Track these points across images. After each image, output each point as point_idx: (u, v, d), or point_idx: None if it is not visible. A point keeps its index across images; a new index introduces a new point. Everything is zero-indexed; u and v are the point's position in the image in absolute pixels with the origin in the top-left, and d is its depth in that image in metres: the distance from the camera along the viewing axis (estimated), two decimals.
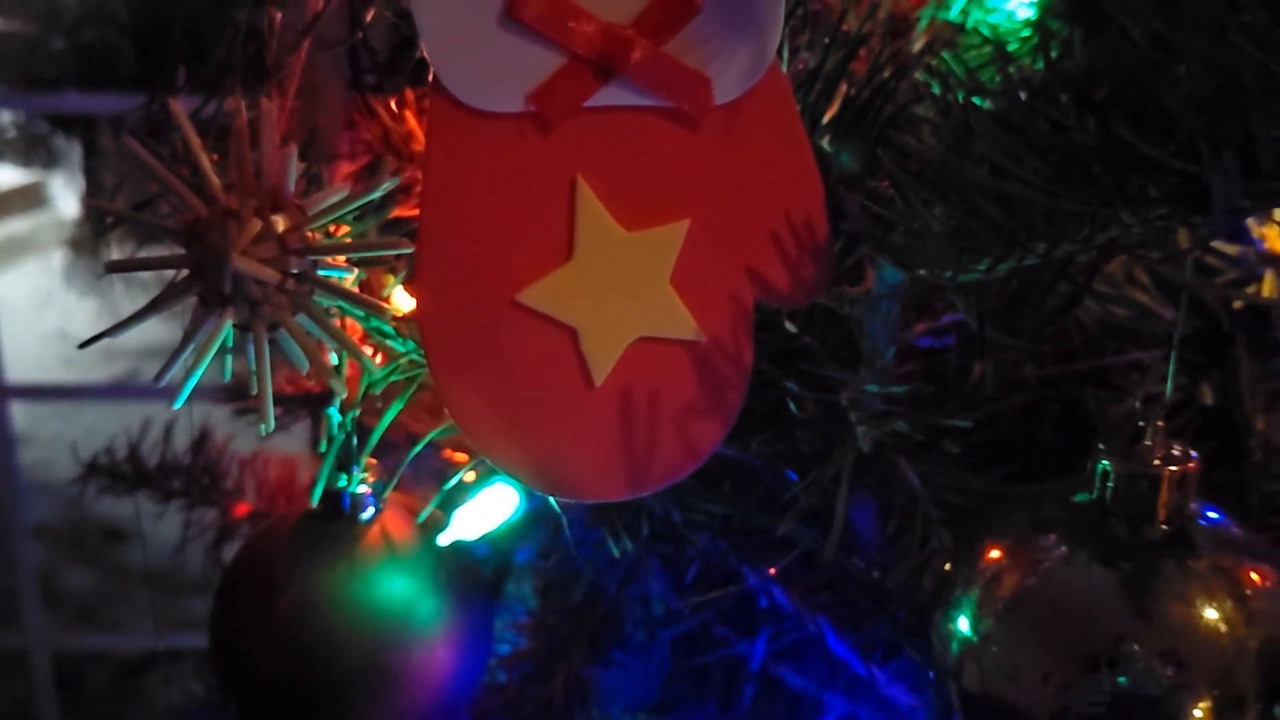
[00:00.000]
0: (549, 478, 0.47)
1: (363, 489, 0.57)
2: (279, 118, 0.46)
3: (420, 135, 0.66)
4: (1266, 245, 0.60)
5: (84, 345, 0.51)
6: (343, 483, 0.56)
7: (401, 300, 0.59)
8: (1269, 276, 0.60)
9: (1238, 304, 0.60)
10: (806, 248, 0.47)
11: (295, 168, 0.46)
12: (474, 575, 0.59)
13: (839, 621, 0.62)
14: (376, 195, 0.47)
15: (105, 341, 0.51)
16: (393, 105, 0.68)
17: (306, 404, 0.88)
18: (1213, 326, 0.62)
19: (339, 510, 0.56)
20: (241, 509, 0.99)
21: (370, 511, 0.57)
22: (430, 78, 0.43)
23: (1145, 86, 0.38)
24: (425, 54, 0.42)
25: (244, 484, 0.99)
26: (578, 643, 0.75)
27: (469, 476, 0.71)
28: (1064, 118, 0.41)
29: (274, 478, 1.00)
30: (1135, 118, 0.41)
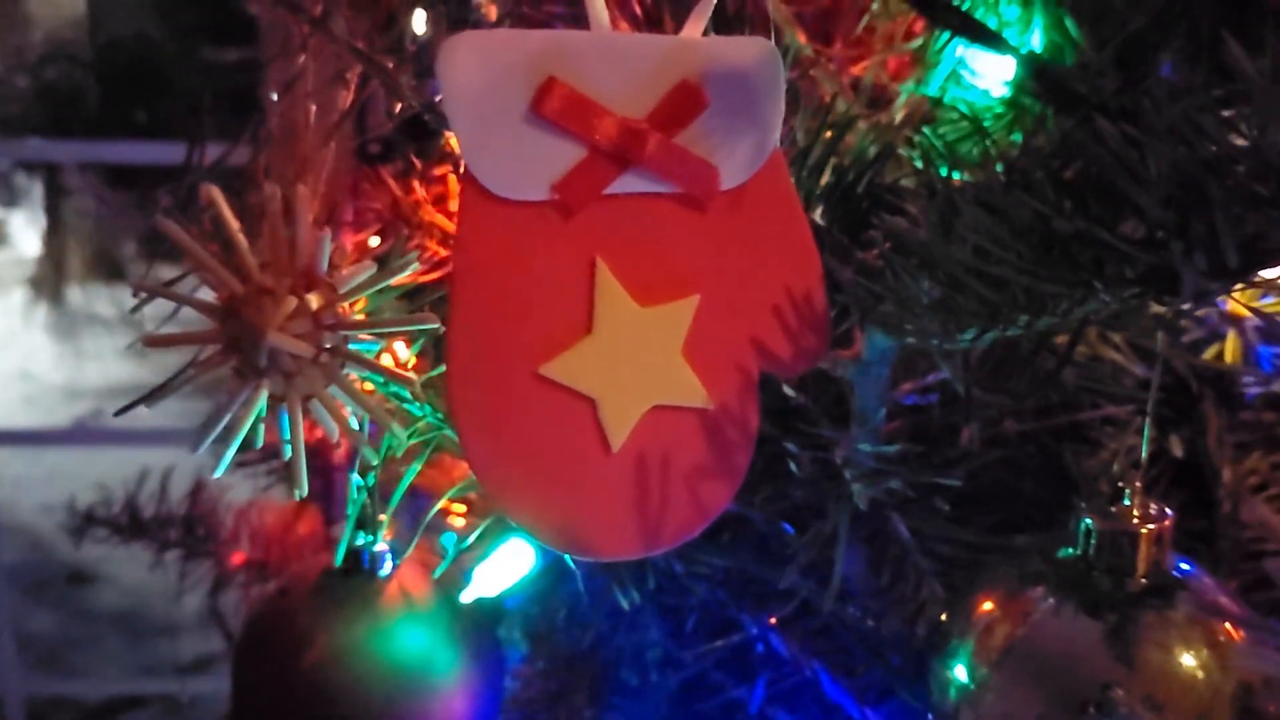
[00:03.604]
0: (568, 537, 0.50)
1: (381, 546, 0.59)
2: (312, 201, 0.49)
3: (427, 203, 0.69)
4: (1229, 306, 0.64)
5: (119, 413, 0.54)
6: (363, 540, 0.59)
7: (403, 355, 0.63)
8: (1231, 335, 0.64)
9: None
10: (806, 320, 0.51)
11: (329, 248, 0.49)
12: (486, 628, 0.62)
13: (834, 667, 0.65)
14: (404, 275, 0.50)
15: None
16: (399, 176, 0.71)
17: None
18: (1181, 382, 0.66)
19: (359, 567, 0.59)
20: (237, 558, 1.00)
21: (388, 568, 0.59)
22: (462, 169, 0.46)
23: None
24: (458, 148, 0.45)
25: (239, 533, 1.01)
26: (578, 689, 0.77)
27: (459, 523, 0.74)
28: (1043, 206, 0.44)
29: (268, 527, 1.02)
30: (1108, 197, 0.45)
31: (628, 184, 0.47)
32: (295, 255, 0.49)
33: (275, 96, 0.50)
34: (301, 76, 0.48)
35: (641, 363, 0.49)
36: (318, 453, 0.99)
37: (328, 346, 0.49)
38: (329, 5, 0.48)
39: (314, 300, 0.49)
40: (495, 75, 0.45)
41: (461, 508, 0.76)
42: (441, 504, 0.60)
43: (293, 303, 0.48)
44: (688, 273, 0.49)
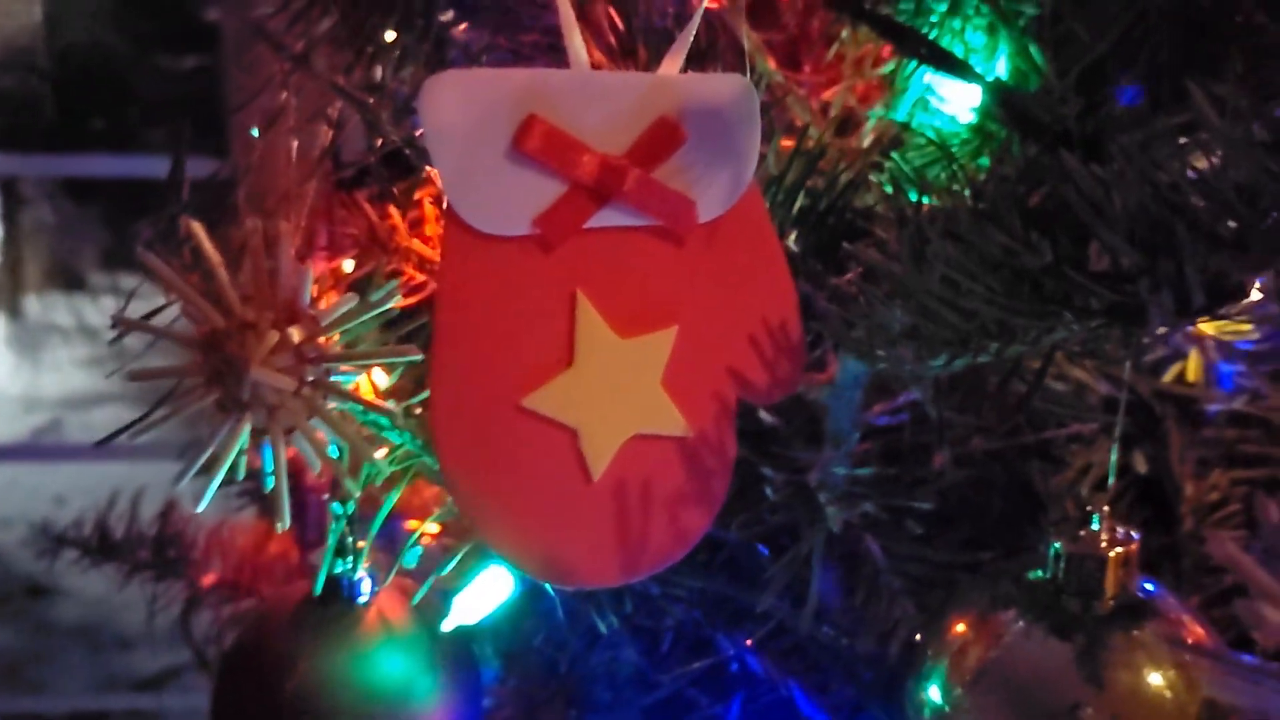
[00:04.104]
0: (549, 565, 0.51)
1: (360, 574, 0.60)
2: (294, 236, 0.50)
3: (403, 229, 0.70)
4: (1191, 328, 0.66)
5: (100, 444, 0.54)
6: (342, 567, 0.59)
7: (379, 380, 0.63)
8: (1193, 354, 0.66)
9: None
10: (782, 348, 0.52)
11: (310, 282, 0.50)
12: (465, 653, 0.62)
13: (808, 684, 0.66)
14: (388, 306, 0.50)
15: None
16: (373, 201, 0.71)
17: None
18: (1144, 399, 0.68)
19: (338, 595, 0.59)
20: (209, 579, 1.00)
21: (367, 595, 0.60)
22: (445, 205, 0.46)
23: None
24: (441, 185, 0.46)
25: (211, 554, 1.00)
26: (553, 709, 0.78)
27: (427, 541, 0.74)
28: (1012, 240, 0.46)
29: (240, 547, 1.01)
30: (1075, 227, 0.46)
31: (607, 218, 0.48)
32: (277, 289, 0.50)
33: (256, 131, 0.50)
34: (283, 112, 0.49)
35: (622, 393, 0.50)
36: (289, 474, 0.99)
37: (310, 379, 0.50)
38: (310, 42, 0.48)
39: (296, 334, 0.49)
40: (477, 113, 0.45)
41: (434, 528, 0.76)
42: (421, 531, 0.60)
43: (275, 336, 0.49)
44: (667, 304, 0.50)
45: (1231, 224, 0.37)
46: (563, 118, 0.46)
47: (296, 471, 0.95)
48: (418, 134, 0.51)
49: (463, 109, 0.45)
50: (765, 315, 0.51)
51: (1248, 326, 0.65)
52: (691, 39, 0.49)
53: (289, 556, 0.99)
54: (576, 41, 0.47)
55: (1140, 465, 0.67)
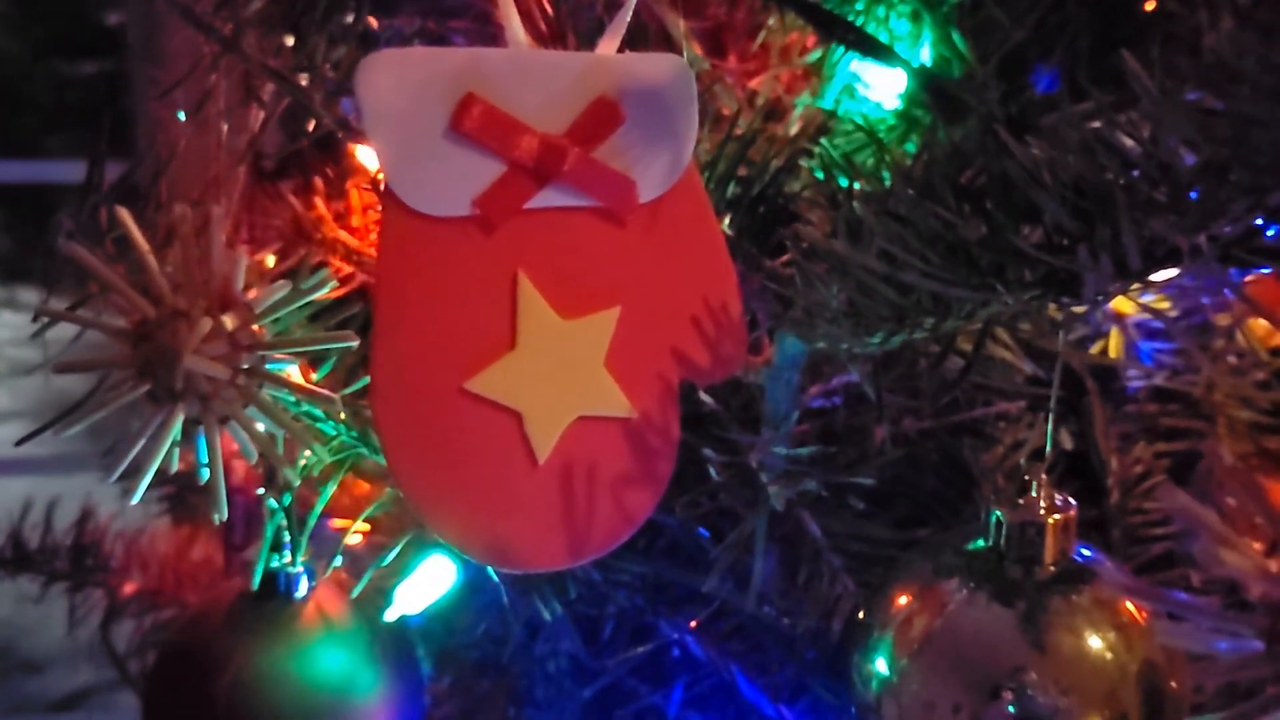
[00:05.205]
0: (495, 550, 0.50)
1: (297, 568, 0.58)
2: (225, 222, 0.49)
3: (330, 218, 0.69)
4: (1112, 304, 0.67)
5: (21, 442, 0.52)
6: (278, 562, 0.58)
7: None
8: (1114, 332, 0.68)
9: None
10: (724, 328, 0.52)
11: (243, 268, 0.49)
12: (405, 647, 0.62)
13: (749, 666, 0.66)
14: (321, 293, 0.50)
15: None
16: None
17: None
18: (1068, 377, 0.69)
19: (274, 590, 0.58)
20: (129, 588, 0.97)
21: (304, 590, 0.58)
22: (382, 186, 0.46)
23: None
24: (380, 166, 0.45)
25: (131, 562, 0.97)
26: (492, 704, 0.77)
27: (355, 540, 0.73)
28: (949, 214, 0.46)
29: (161, 554, 0.99)
30: (1007, 202, 0.47)
31: (548, 198, 0.48)
32: (209, 276, 0.49)
33: (183, 115, 0.49)
34: (211, 96, 0.48)
35: (565, 375, 0.49)
36: None
37: (245, 368, 0.49)
38: (239, 25, 0.47)
39: (229, 321, 0.48)
40: (414, 93, 0.45)
41: (364, 526, 0.75)
42: (351, 530, 0.59)
43: (208, 324, 0.48)
44: (608, 285, 0.50)
45: (1166, 189, 0.38)
46: (501, 97, 0.46)
47: (225, 472, 0.93)
48: (352, 116, 0.50)
49: (400, 88, 0.44)
50: (706, 295, 0.52)
51: (1167, 304, 0.67)
52: (626, 23, 0.49)
53: (213, 562, 0.96)
54: (514, 21, 0.46)
55: (1066, 441, 0.68)
